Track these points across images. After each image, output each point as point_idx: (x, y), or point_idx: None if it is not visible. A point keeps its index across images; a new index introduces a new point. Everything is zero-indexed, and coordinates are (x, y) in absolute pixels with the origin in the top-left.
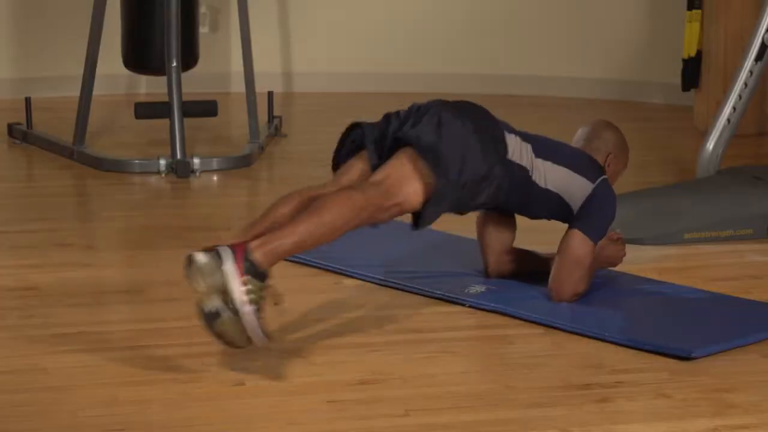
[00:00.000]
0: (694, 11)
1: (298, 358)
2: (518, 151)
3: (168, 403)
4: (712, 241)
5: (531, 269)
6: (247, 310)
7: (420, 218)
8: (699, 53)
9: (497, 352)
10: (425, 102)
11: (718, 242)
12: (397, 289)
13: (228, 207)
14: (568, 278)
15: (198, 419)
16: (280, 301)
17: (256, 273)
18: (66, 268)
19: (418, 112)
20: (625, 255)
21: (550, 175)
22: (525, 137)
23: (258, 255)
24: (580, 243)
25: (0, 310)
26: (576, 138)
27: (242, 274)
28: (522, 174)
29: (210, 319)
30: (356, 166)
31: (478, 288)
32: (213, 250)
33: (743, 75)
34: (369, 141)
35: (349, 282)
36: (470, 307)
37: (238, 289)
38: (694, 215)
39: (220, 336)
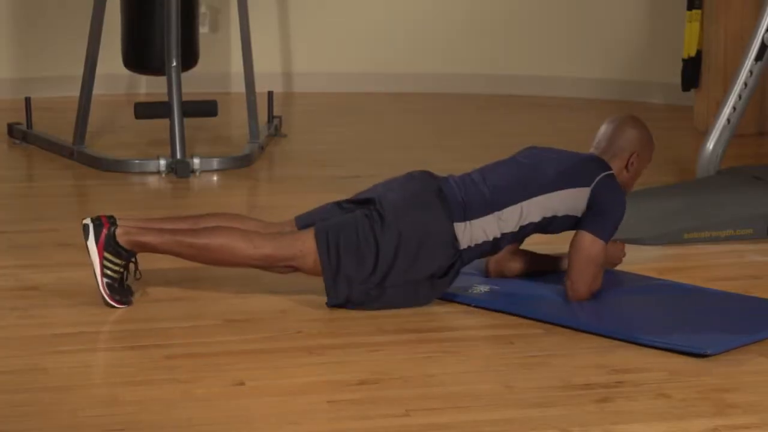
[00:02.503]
0: (694, 11)
1: (298, 358)
2: (479, 232)
3: (168, 403)
4: (712, 241)
5: (532, 269)
6: (99, 281)
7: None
8: (699, 53)
9: (497, 352)
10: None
11: (718, 242)
12: None
13: (228, 207)
14: (582, 277)
15: (198, 419)
16: (138, 276)
17: (116, 252)
18: (66, 268)
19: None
20: (625, 255)
21: (542, 207)
22: (481, 211)
23: (123, 239)
24: (590, 242)
25: (0, 310)
26: (599, 136)
27: (102, 252)
28: (490, 245)
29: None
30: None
31: (481, 288)
32: (87, 223)
33: (743, 75)
34: (302, 222)
35: None
36: (475, 306)
37: (97, 262)
38: (694, 215)
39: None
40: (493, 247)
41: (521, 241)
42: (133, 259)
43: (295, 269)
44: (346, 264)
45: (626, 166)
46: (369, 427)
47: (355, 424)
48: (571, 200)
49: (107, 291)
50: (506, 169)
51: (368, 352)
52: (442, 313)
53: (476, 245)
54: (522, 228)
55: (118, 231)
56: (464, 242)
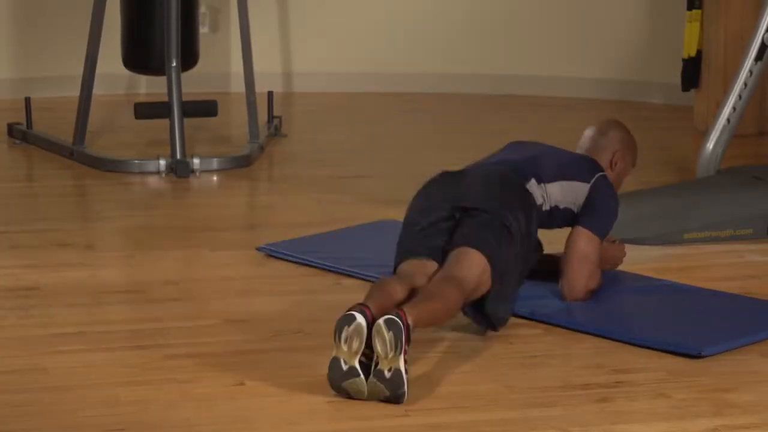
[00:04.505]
0: (694, 11)
1: (298, 358)
2: (538, 195)
3: (168, 403)
4: (712, 241)
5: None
6: (406, 379)
7: (491, 318)
8: (699, 53)
9: (497, 352)
10: (470, 189)
11: (718, 242)
12: None
13: (228, 207)
14: (578, 276)
15: (198, 419)
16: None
17: (408, 339)
18: (66, 268)
19: (469, 212)
20: (625, 255)
21: (551, 195)
22: (535, 173)
23: (412, 322)
24: (585, 240)
25: (0, 310)
26: (584, 137)
27: (406, 347)
28: (537, 212)
29: (345, 375)
30: (423, 268)
31: None
32: (391, 321)
33: (743, 75)
34: (435, 254)
35: (349, 282)
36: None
37: (403, 362)
38: (694, 215)
39: (342, 391)
40: (538, 217)
41: None
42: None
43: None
44: (510, 276)
45: (610, 166)
46: (369, 427)
47: (355, 424)
48: (572, 193)
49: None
50: (510, 158)
51: None
52: None
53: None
54: (544, 213)
55: (409, 319)
56: (537, 204)
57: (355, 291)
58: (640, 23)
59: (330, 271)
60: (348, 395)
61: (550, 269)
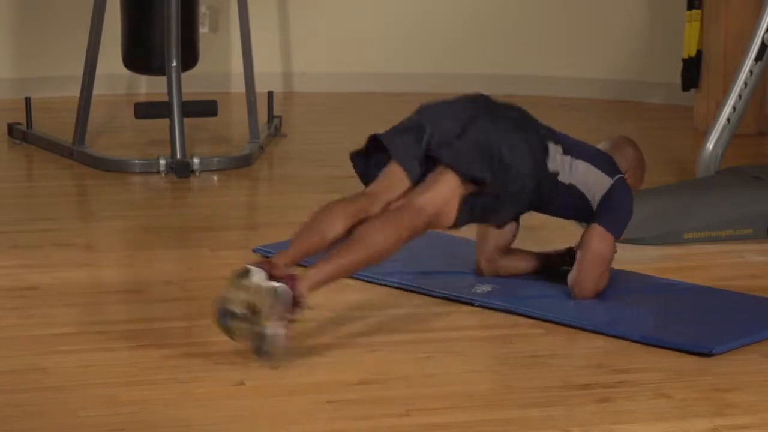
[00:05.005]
0: (694, 11)
1: (298, 358)
2: (555, 159)
3: (168, 403)
4: (712, 241)
5: (526, 268)
6: (280, 337)
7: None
8: (699, 53)
9: (497, 352)
10: (463, 103)
11: (718, 242)
12: (402, 289)
13: (228, 207)
14: (590, 274)
15: (198, 419)
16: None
17: (296, 306)
18: (66, 268)
19: (458, 125)
20: (616, 251)
21: (573, 171)
22: (557, 139)
23: (305, 291)
24: (601, 239)
25: (0, 310)
26: None
27: (288, 315)
28: (553, 179)
29: (226, 315)
30: (395, 180)
31: (484, 287)
32: (274, 281)
33: (743, 75)
34: (407, 158)
35: (349, 282)
36: (479, 306)
37: (277, 328)
38: (694, 215)
39: (226, 331)
40: (553, 185)
41: (518, 222)
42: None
43: (432, 228)
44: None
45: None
46: (369, 427)
47: (355, 424)
48: (598, 183)
49: (281, 341)
50: (562, 133)
51: (368, 352)
52: (442, 313)
53: (552, 172)
54: (563, 186)
55: (302, 285)
56: (550, 161)
57: (354, 291)
58: (640, 23)
59: None
60: (227, 333)
61: (543, 268)
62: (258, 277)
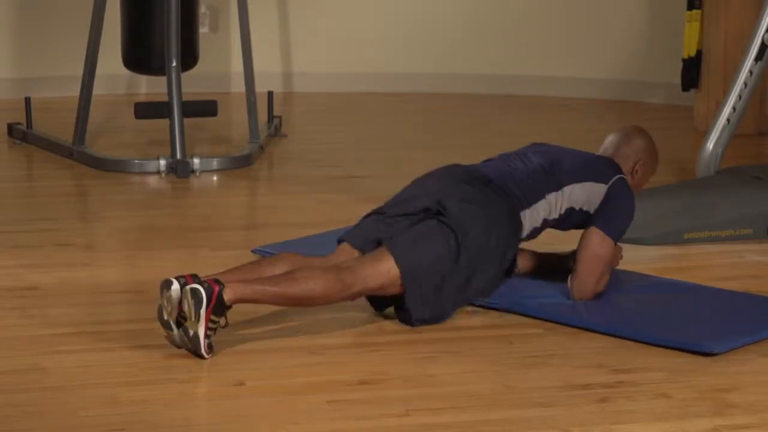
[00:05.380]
0: (694, 11)
1: (298, 358)
2: (531, 220)
3: (168, 403)
4: (712, 241)
5: (532, 268)
6: (202, 343)
7: (401, 315)
8: (699, 53)
9: (497, 352)
10: (434, 192)
11: (718, 242)
12: None
13: (228, 207)
14: (589, 276)
15: (198, 419)
16: (225, 325)
17: (220, 311)
18: (66, 268)
19: (415, 215)
20: (622, 257)
21: (564, 199)
22: (537, 196)
23: (229, 297)
24: (599, 241)
25: (0, 310)
26: (607, 142)
27: (209, 317)
28: (538, 229)
29: (164, 325)
30: (347, 251)
31: None
32: (195, 288)
33: (743, 75)
34: (361, 242)
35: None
36: (480, 306)
37: (203, 328)
38: (694, 215)
39: (170, 340)
40: (532, 235)
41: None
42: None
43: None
44: (431, 277)
45: (631, 173)
46: (369, 427)
47: (355, 424)
48: (590, 194)
49: (208, 349)
50: (533, 159)
51: (368, 352)
52: None
53: (528, 233)
54: (553, 219)
55: (226, 290)
56: (524, 230)
57: None
58: (640, 23)
59: None
60: (170, 342)
61: (549, 269)
62: (178, 284)
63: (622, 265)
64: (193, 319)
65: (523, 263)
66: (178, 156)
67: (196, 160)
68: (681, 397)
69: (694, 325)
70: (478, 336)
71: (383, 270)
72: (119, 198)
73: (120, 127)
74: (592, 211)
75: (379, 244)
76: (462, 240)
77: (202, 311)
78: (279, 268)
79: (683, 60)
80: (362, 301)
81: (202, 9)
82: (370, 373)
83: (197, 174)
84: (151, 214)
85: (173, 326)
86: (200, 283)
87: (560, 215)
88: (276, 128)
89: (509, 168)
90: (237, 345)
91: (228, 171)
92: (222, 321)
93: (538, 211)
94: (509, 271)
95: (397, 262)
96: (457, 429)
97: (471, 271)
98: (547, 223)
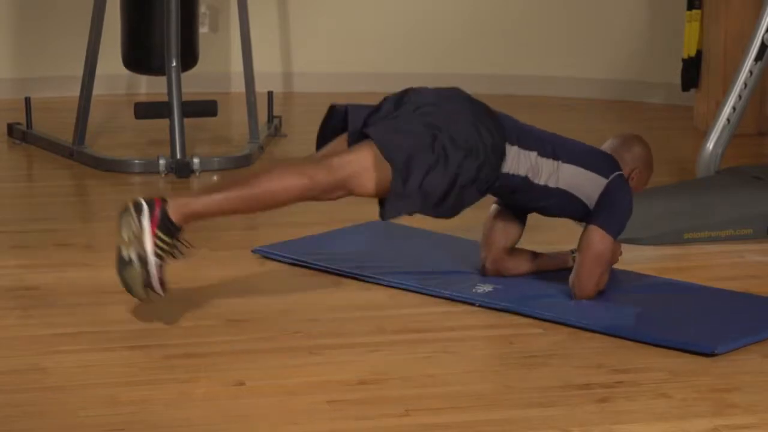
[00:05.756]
0: (694, 11)
1: (298, 358)
2: (516, 162)
3: (168, 403)
4: (712, 241)
5: (530, 269)
6: (151, 260)
7: (382, 209)
8: (699, 53)
9: (497, 352)
10: (423, 92)
11: (717, 242)
12: (403, 289)
13: None
14: (590, 275)
15: (198, 419)
16: (190, 247)
17: (168, 229)
18: (66, 268)
19: (403, 105)
20: (621, 254)
21: (560, 174)
22: (528, 144)
23: (174, 212)
24: (600, 239)
25: (0, 310)
26: (605, 147)
27: (155, 229)
28: (519, 181)
29: (122, 265)
30: (335, 148)
31: (485, 287)
32: (137, 203)
33: (743, 75)
34: (352, 127)
35: (349, 282)
36: (480, 306)
37: (150, 242)
38: (693, 215)
39: (125, 283)
40: (523, 185)
41: (524, 223)
42: (181, 237)
43: (350, 193)
44: (413, 171)
45: (627, 179)
46: (369, 427)
47: (355, 424)
48: (590, 185)
49: (158, 273)
50: (542, 130)
51: (368, 352)
52: (442, 313)
53: (512, 175)
54: (546, 189)
55: (170, 206)
56: (506, 165)
57: (354, 291)
58: (640, 23)
59: (330, 272)
60: (127, 286)
61: (547, 269)
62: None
63: (621, 266)
64: (136, 233)
65: (523, 264)
66: (178, 156)
67: (196, 160)
68: (681, 397)
69: (694, 325)
70: (478, 336)
71: (353, 154)
72: (119, 198)
73: (120, 127)
74: (590, 205)
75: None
76: (444, 138)
77: (145, 221)
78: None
79: (683, 60)
80: (363, 301)
81: (202, 9)
82: (370, 373)
83: (197, 174)
84: None
85: (132, 259)
86: (143, 198)
87: (546, 189)
88: (276, 128)
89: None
90: (237, 345)
91: (228, 171)
92: (178, 246)
93: (526, 158)
94: (485, 191)
95: (373, 139)
96: (457, 429)
97: (447, 156)
98: (529, 186)
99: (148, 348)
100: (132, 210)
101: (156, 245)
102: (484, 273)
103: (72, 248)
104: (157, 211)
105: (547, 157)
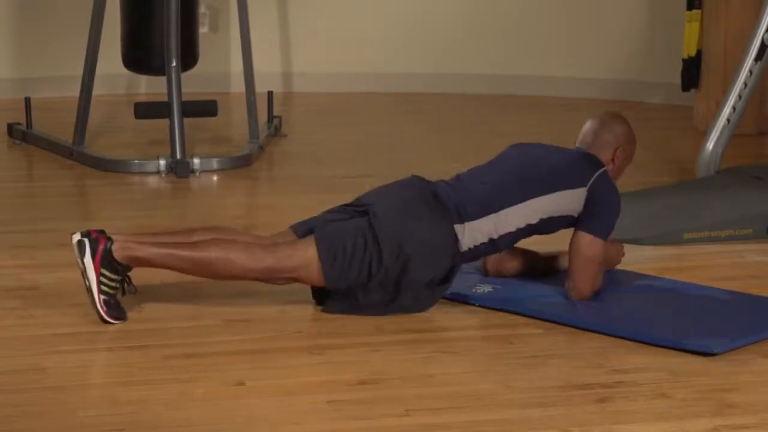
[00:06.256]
0: (694, 11)
1: (298, 358)
2: (472, 236)
3: (168, 403)
4: (712, 241)
5: (530, 269)
6: (96, 298)
7: (323, 305)
8: (699, 53)
9: (497, 352)
10: (369, 194)
11: (717, 242)
12: None
13: (228, 207)
14: (583, 279)
15: (198, 419)
16: (133, 290)
17: (113, 267)
18: (66, 268)
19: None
20: (624, 255)
21: (539, 209)
22: (475, 213)
23: (118, 252)
24: (588, 243)
25: (0, 310)
26: (585, 130)
27: (98, 268)
28: (488, 245)
29: (86, 289)
30: (285, 237)
31: (484, 287)
32: (79, 241)
33: (743, 75)
34: (301, 230)
35: None
36: (480, 306)
37: (94, 279)
38: (693, 215)
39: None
40: (491, 248)
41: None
42: (128, 275)
43: (296, 280)
44: (348, 272)
45: (612, 160)
46: (369, 427)
47: (355, 424)
48: (567, 201)
49: (104, 308)
50: (500, 169)
51: (368, 352)
52: (442, 313)
53: (476, 246)
54: (519, 230)
55: (115, 246)
56: (464, 244)
57: None
58: (640, 23)
59: None
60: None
61: (548, 269)
62: (75, 238)
63: (621, 266)
64: (81, 269)
65: (523, 264)
66: (178, 156)
67: (196, 160)
68: (681, 397)
69: (694, 325)
70: (478, 336)
71: (299, 249)
72: (119, 198)
73: (120, 127)
74: (575, 214)
75: (312, 232)
76: (384, 240)
77: (87, 260)
78: (198, 236)
79: (683, 60)
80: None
81: (202, 9)
82: (370, 373)
83: (197, 174)
84: (151, 214)
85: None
86: (87, 235)
87: (521, 230)
88: (276, 128)
89: (464, 183)
90: (237, 345)
91: (228, 171)
92: (123, 281)
93: (479, 225)
94: (446, 278)
95: (315, 237)
96: (457, 429)
97: (387, 275)
98: (500, 240)
99: (148, 348)
100: (75, 247)
101: (100, 282)
102: (485, 273)
103: (72, 248)
104: (101, 249)
105: (503, 207)
